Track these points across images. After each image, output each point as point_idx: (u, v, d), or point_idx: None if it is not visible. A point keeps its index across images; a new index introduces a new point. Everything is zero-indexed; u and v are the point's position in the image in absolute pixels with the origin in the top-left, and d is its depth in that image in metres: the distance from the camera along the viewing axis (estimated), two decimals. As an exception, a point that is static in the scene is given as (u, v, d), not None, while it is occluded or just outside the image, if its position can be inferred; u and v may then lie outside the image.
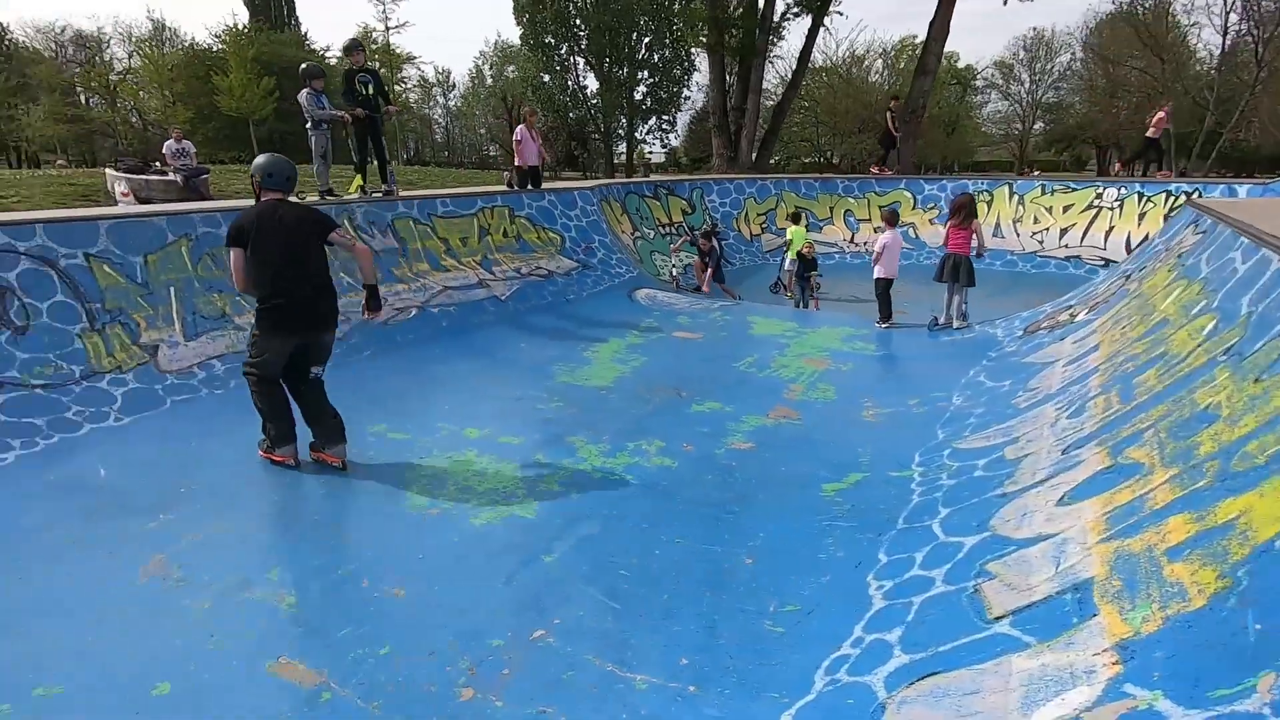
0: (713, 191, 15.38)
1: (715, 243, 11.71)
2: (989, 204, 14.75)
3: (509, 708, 2.54)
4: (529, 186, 10.43)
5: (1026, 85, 48.92)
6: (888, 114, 17.06)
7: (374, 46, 49.49)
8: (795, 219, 11.86)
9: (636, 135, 47.96)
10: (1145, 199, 13.14)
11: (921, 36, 21.54)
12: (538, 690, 2.63)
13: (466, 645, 2.89)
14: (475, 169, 42.55)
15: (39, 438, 4.59)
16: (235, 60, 35.66)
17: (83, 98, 45.18)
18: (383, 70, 50.81)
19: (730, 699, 2.50)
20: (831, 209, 16.00)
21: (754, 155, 23.74)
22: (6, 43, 43.89)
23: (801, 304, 10.24)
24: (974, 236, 8.09)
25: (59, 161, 37.78)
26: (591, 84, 45.15)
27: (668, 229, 13.78)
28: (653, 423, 5.38)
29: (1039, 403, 4.21)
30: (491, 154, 61.57)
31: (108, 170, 14.50)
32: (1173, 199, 12.45)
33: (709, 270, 11.30)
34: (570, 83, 45.66)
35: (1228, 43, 31.51)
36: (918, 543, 3.14)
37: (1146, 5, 32.89)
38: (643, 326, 8.40)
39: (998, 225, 14.53)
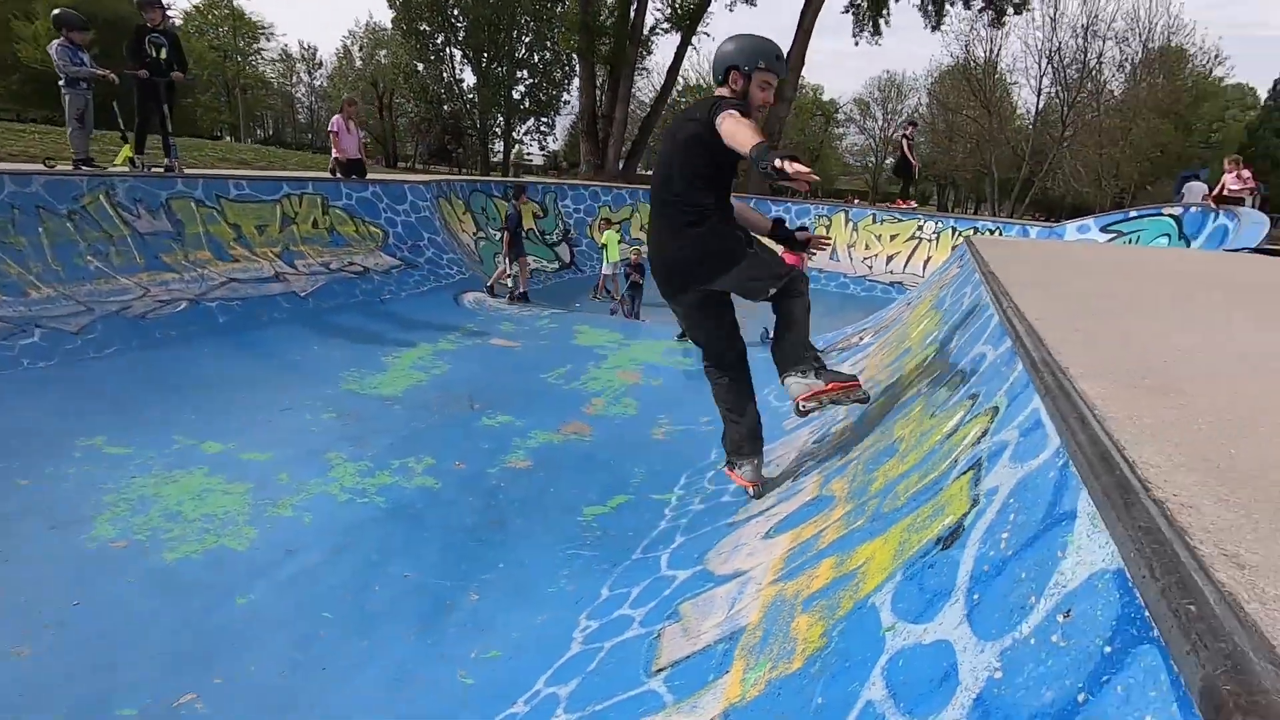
0: (566, 197, 15.13)
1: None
2: (828, 228, 15.57)
3: (97, 802, 2.06)
4: (352, 178, 9.65)
5: (880, 122, 53.04)
6: (903, 141, 15.42)
7: (224, 11, 45.23)
8: (608, 223, 12.69)
9: (514, 135, 47.07)
10: (958, 233, 14.37)
11: (781, 65, 22.58)
12: (151, 773, 2.17)
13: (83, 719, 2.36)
14: (337, 155, 39.84)
15: None
16: (44, 5, 31.04)
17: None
18: (232, 39, 46.52)
19: (377, 773, 2.17)
20: (685, 223, 16.23)
21: (621, 164, 23.83)
22: None
23: (632, 314, 10.19)
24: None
25: None
26: (469, 78, 43.79)
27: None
28: (431, 437, 4.97)
29: (801, 425, 4.24)
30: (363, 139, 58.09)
31: None
32: (978, 235, 13.68)
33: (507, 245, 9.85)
34: (446, 74, 44.08)
35: (1041, 103, 35.75)
36: (641, 575, 2.97)
37: (979, 62, 36.60)
38: (462, 331, 7.94)
39: (834, 250, 15.35)
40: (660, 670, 2.03)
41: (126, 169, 7.26)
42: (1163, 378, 1.73)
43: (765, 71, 2.96)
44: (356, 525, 3.75)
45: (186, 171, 7.76)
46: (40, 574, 3.16)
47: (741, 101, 2.90)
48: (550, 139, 50.77)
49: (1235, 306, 3.44)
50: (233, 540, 3.51)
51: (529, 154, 57.46)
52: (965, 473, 1.65)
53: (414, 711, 2.43)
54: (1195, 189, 12.59)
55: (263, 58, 53.09)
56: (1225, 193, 10.85)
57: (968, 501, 1.49)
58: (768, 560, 2.36)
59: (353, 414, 5.30)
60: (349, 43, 56.99)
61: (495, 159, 47.21)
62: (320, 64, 62.50)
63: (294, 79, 62.91)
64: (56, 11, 7.02)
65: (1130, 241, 11.17)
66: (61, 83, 6.77)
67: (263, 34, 49.60)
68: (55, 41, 6.71)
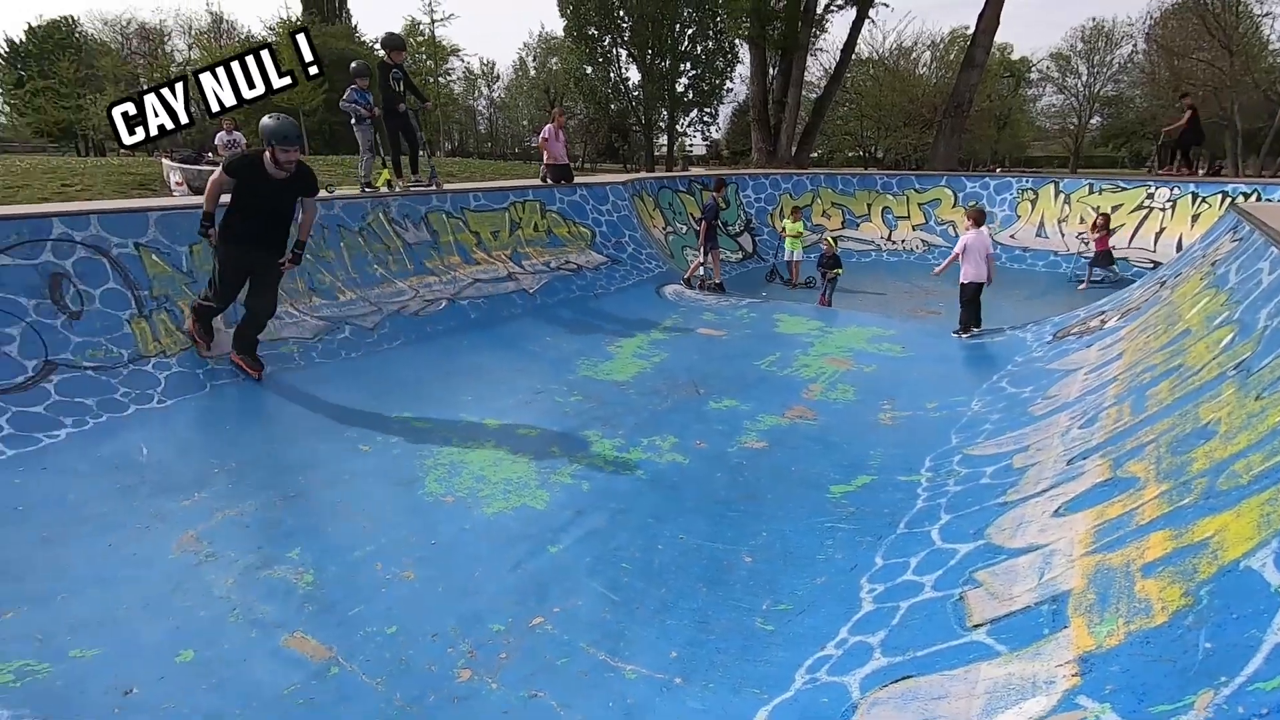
0: (748, 186, 15.29)
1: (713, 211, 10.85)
2: (1033, 203, 14.33)
3: (503, 690, 2.66)
4: (561, 182, 10.57)
5: (1084, 78, 46.98)
6: (1188, 106, 14.26)
7: (421, 38, 50.31)
8: (797, 211, 12.77)
9: (678, 128, 47.83)
10: (1200, 200, 12.59)
11: (973, 28, 20.89)
12: (532, 674, 2.75)
13: (468, 629, 3.02)
14: (518, 160, 43.11)
15: (89, 417, 4.90)
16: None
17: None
18: (429, 62, 51.70)
19: (713, 692, 2.57)
20: (869, 206, 15.74)
21: (793, 149, 23.48)
22: (76, 35, 45.94)
23: (827, 299, 10.14)
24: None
25: (121, 150, 39.41)
26: (634, 76, 45.11)
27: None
28: (669, 419, 5.46)
29: (1055, 411, 4.15)
30: (533, 145, 62.14)
31: (164, 160, 15.14)
32: (1229, 200, 11.88)
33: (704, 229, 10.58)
34: (612, 74, 45.76)
35: (1304, 34, 29.77)
36: (914, 548, 3.15)
37: (1216, -6, 31.20)
38: (668, 323, 8.46)
39: (1041, 224, 14.11)
40: (979, 625, 2.23)
41: (386, 190, 8.58)
42: None
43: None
44: (627, 493, 4.28)
45: (445, 187, 9.00)
46: (397, 520, 3.99)
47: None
48: (713, 129, 50.97)
49: None
50: (532, 500, 4.18)
51: (691, 145, 58.15)
52: (1339, 450, 1.68)
53: (727, 646, 2.83)
54: None
55: (451, 76, 58.38)
56: None
57: (1357, 476, 1.54)
58: (1070, 535, 2.45)
59: (595, 397, 5.94)
60: (524, 54, 61.17)
61: (659, 152, 48.36)
62: (498, 77, 67.64)
63: (475, 94, 68.67)
64: (353, 65, 8.49)
65: None
66: (353, 121, 8.21)
67: (453, 55, 54.46)
68: (350, 88, 8.15)
